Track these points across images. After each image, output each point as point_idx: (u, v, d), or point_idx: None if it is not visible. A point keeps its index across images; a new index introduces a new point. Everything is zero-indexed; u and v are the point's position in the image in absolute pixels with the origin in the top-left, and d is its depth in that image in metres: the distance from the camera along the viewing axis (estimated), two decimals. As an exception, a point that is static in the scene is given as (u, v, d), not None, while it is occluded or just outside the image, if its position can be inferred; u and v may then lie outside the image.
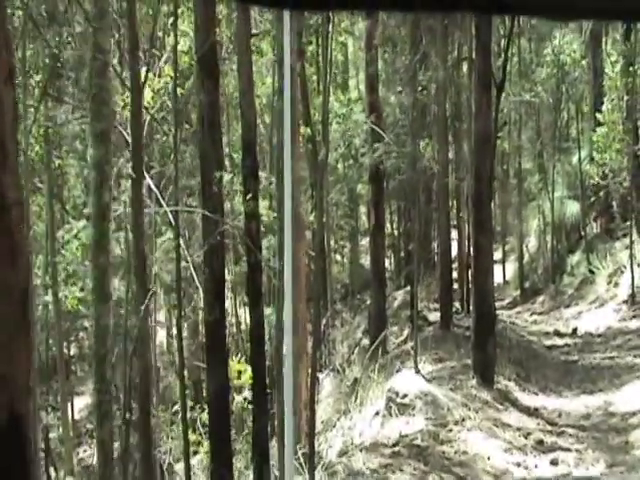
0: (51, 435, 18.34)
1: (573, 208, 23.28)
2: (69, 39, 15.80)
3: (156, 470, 11.94)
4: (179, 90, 12.78)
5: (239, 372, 12.62)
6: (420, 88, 18.05)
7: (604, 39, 25.10)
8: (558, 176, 23.11)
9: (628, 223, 20.47)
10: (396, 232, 26.86)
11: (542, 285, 23.47)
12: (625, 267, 19.71)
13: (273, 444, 11.94)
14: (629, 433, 11.38)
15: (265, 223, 13.42)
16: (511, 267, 25.52)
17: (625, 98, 20.64)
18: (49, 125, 15.95)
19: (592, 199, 23.28)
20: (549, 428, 11.93)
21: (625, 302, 19.00)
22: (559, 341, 18.01)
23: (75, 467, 17.18)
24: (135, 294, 10.76)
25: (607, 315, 18.95)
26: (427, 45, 18.68)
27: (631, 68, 20.09)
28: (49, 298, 17.43)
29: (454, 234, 20.76)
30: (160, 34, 16.93)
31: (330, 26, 14.21)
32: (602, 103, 21.55)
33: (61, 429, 17.67)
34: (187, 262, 12.59)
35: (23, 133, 12.93)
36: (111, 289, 10.50)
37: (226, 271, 13.46)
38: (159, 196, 12.10)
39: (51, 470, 17.45)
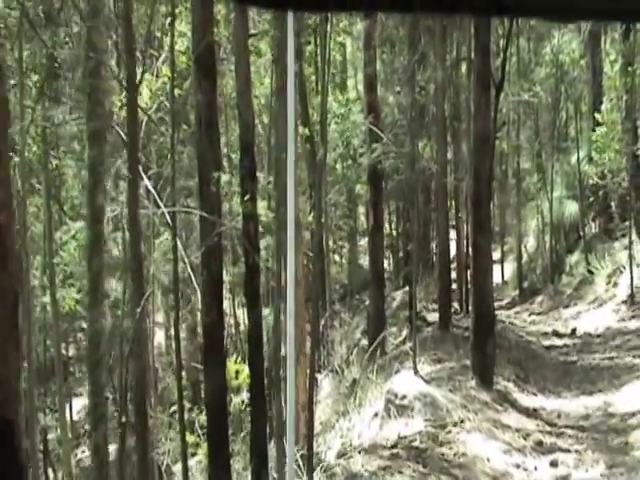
0: (49, 436, 18.31)
1: (572, 208, 23.23)
2: (66, 39, 15.75)
3: (154, 472, 11.91)
4: (177, 90, 12.75)
5: (237, 373, 12.60)
6: (419, 88, 18.03)
7: (603, 38, 25.04)
8: (557, 176, 23.06)
9: (627, 223, 20.43)
10: (395, 232, 26.82)
11: (541, 285, 23.42)
12: (624, 267, 19.68)
13: (271, 445, 11.90)
14: (629, 434, 11.35)
15: (263, 224, 13.37)
16: (510, 267, 25.49)
17: (624, 98, 20.60)
18: (46, 125, 15.87)
19: (591, 199, 23.26)
20: (548, 429, 11.90)
21: (624, 302, 18.97)
22: (558, 341, 17.96)
23: (73, 469, 17.14)
24: (132, 295, 10.73)
25: (606, 315, 18.91)
26: (426, 45, 18.67)
27: (630, 68, 20.04)
28: (47, 299, 17.38)
29: (453, 234, 20.73)
30: (158, 34, 16.90)
31: (328, 26, 14.20)
32: (601, 103, 21.53)
33: (59, 430, 17.62)
34: (185, 263, 12.56)
35: (20, 133, 12.90)
36: (107, 291, 10.47)
37: (224, 272, 13.39)
38: (157, 197, 12.05)
39: (49, 471, 17.43)
